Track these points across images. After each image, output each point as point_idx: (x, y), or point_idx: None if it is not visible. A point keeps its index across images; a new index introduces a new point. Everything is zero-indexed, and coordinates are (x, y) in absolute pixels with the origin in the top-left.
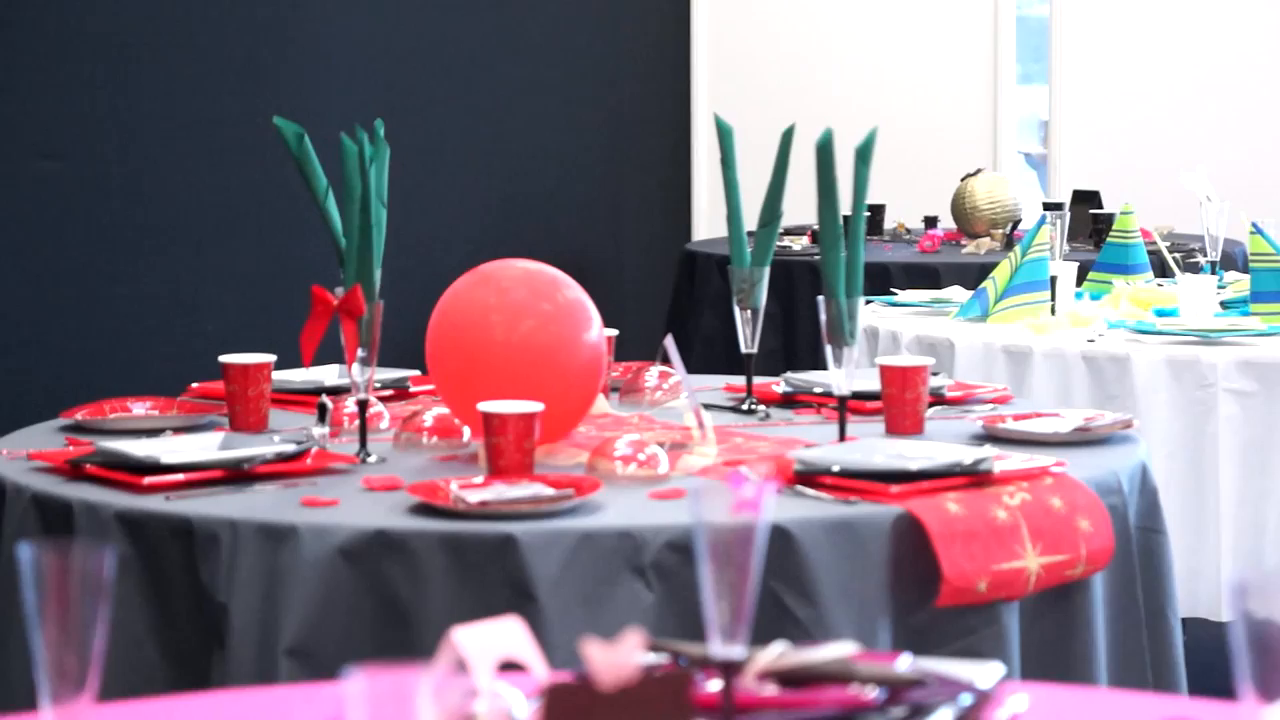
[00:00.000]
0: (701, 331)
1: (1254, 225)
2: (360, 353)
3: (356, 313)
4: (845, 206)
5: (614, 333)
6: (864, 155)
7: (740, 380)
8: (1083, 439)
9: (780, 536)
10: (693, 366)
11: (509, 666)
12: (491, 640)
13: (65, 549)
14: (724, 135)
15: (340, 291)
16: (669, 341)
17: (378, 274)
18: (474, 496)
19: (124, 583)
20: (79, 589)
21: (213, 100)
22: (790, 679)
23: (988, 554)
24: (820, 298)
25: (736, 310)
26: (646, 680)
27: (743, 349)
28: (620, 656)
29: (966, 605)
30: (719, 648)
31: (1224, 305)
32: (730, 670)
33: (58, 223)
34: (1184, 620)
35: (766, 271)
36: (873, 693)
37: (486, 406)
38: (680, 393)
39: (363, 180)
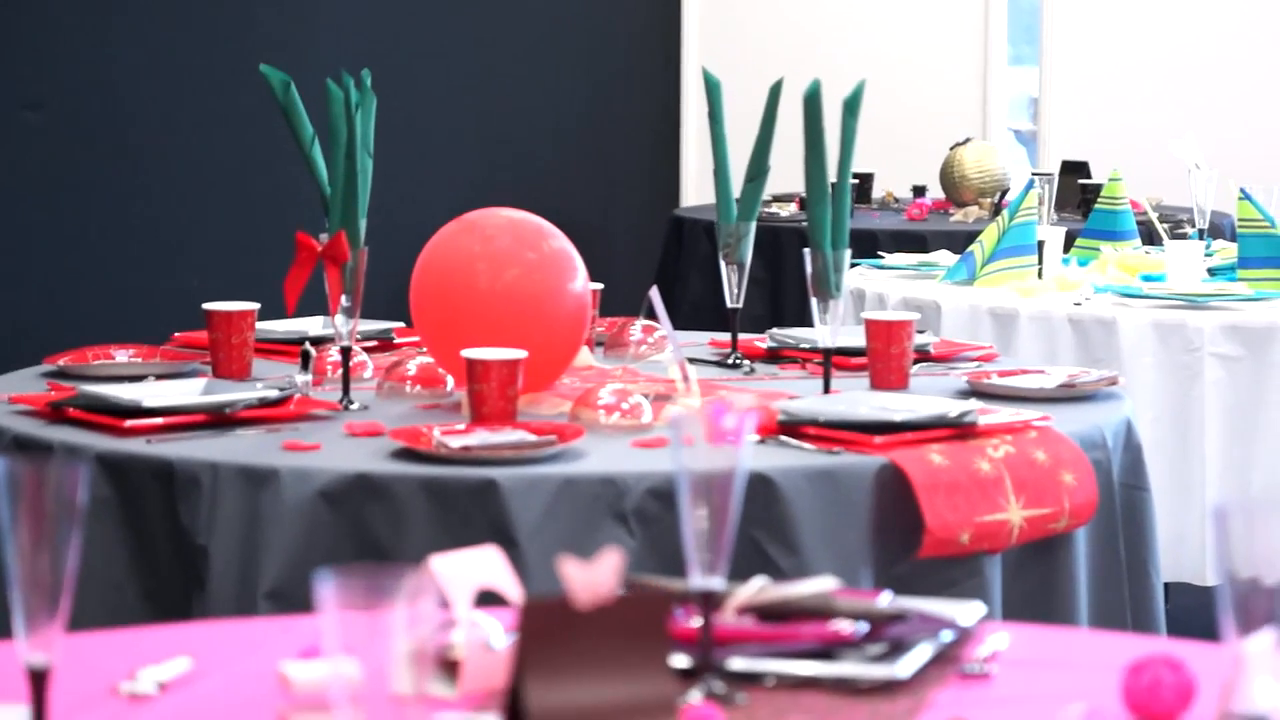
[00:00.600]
0: (689, 297)
1: (1242, 191)
2: (344, 300)
3: (340, 259)
4: (833, 170)
5: (599, 286)
6: (852, 107)
7: (725, 336)
8: (1068, 395)
9: (763, 485)
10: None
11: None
12: (470, 568)
13: (40, 462)
14: (712, 89)
15: (325, 238)
16: (654, 293)
17: (363, 223)
18: (456, 441)
19: (104, 526)
20: (53, 503)
21: (197, 49)
22: (770, 614)
23: (971, 505)
24: (806, 250)
25: (722, 265)
26: (625, 600)
27: (728, 304)
28: (598, 576)
29: (949, 556)
30: (698, 579)
31: (1211, 272)
32: (709, 600)
33: (40, 173)
34: (1167, 585)
35: (752, 227)
36: (853, 628)
37: (470, 353)
38: (665, 346)
39: (348, 125)
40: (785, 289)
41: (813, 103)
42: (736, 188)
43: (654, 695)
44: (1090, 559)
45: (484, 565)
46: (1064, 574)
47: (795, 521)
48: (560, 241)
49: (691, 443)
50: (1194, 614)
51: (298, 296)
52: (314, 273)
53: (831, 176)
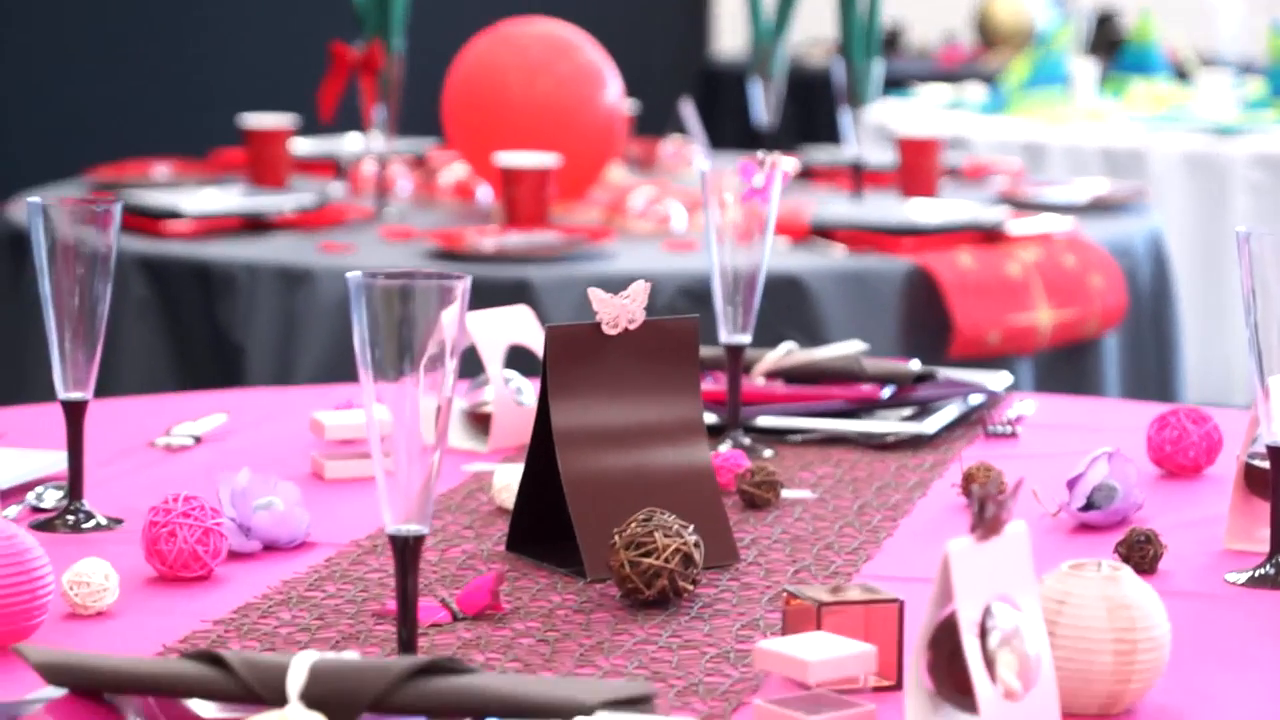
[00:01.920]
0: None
1: (1274, 23)
2: (380, 111)
3: (374, 66)
4: None
5: (635, 104)
6: None
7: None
8: (1097, 205)
9: (792, 286)
10: None
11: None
12: (501, 326)
13: (73, 200)
14: None
15: (359, 45)
16: (685, 105)
17: (400, 38)
18: (490, 242)
19: (144, 327)
20: (87, 239)
21: None
22: (798, 378)
23: (1000, 306)
24: (837, 55)
25: (755, 82)
26: (652, 326)
27: (762, 120)
28: (625, 303)
29: (978, 357)
30: (726, 335)
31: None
32: (735, 354)
33: None
34: None
35: (784, 42)
36: (881, 389)
37: (503, 158)
38: (696, 159)
39: None
40: (817, 139)
41: None
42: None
43: (682, 417)
44: (1120, 366)
45: (515, 323)
46: (1093, 381)
47: (825, 322)
48: (593, 52)
49: (723, 185)
50: None
51: (333, 105)
52: (353, 90)
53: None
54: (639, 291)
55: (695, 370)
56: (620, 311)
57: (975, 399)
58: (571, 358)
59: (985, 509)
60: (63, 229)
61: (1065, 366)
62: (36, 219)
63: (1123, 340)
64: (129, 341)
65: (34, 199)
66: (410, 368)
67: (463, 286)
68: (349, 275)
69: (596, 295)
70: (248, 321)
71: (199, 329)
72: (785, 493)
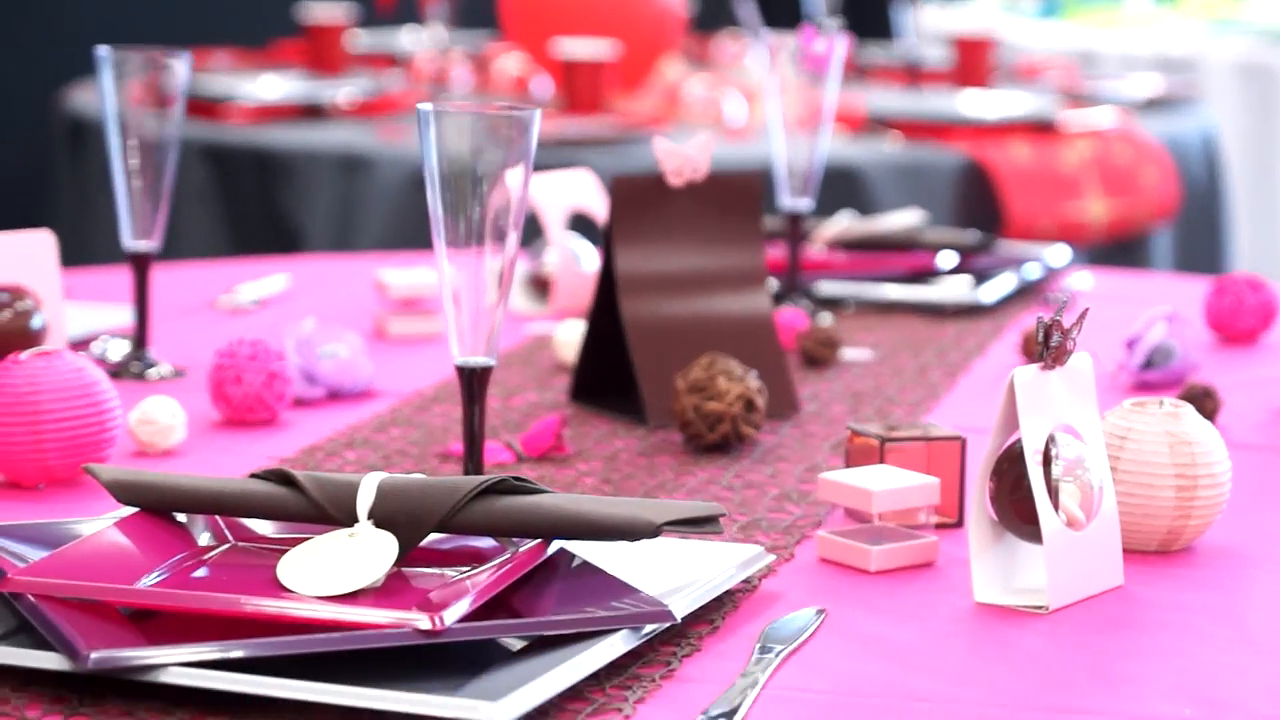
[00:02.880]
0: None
1: None
2: (439, 3)
3: None
4: None
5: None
6: None
7: None
8: (1151, 100)
9: (849, 176)
10: None
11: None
12: (562, 191)
13: (143, 49)
14: None
15: None
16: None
17: None
18: (550, 129)
19: (204, 212)
20: (156, 89)
21: None
22: (859, 246)
23: (1053, 197)
24: None
25: None
26: (716, 179)
27: (817, 18)
28: (691, 153)
29: None
30: (786, 200)
31: None
32: (796, 220)
33: None
34: None
35: None
36: (939, 258)
37: (562, 47)
38: (751, 52)
39: None
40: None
41: None
42: None
43: (744, 267)
44: (1171, 260)
45: (576, 187)
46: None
47: (880, 212)
48: None
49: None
50: None
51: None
52: None
53: None
54: (704, 143)
55: (758, 222)
56: (685, 162)
57: (1033, 271)
58: (636, 208)
59: (1051, 336)
60: (131, 78)
61: (1117, 259)
62: (106, 67)
63: (1174, 234)
64: (189, 226)
65: (104, 48)
66: (482, 196)
67: (533, 118)
68: (420, 106)
69: (662, 145)
70: (306, 207)
71: (258, 214)
72: (845, 352)
